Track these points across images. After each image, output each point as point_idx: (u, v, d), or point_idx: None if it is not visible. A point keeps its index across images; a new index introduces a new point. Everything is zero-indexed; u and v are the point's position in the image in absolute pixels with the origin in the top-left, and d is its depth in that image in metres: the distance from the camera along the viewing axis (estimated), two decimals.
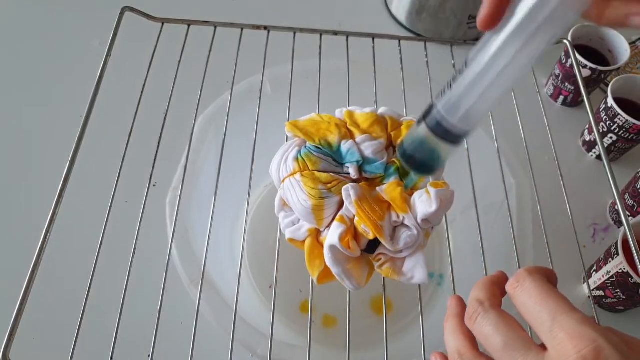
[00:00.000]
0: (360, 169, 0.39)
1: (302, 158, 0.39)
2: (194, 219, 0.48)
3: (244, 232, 0.43)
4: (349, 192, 0.36)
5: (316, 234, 0.38)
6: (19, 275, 0.35)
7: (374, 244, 0.36)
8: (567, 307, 0.25)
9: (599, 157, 0.74)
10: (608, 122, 0.68)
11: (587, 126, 0.75)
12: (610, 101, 0.67)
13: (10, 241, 0.61)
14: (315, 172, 0.38)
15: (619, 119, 0.66)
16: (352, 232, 0.36)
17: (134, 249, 0.39)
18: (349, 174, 0.39)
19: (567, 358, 0.23)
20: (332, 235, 0.36)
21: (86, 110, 0.43)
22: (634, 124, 0.65)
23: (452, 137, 0.30)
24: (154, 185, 0.43)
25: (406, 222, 0.36)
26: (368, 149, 0.39)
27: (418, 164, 0.33)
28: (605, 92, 0.69)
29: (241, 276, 0.40)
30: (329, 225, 0.37)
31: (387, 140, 0.41)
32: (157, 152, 0.44)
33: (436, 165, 0.33)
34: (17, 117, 0.72)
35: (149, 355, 0.36)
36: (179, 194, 0.44)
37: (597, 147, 0.73)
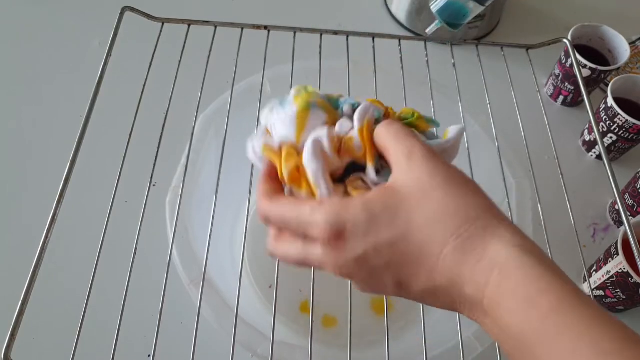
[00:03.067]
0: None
1: (301, 89, 0.35)
2: (194, 219, 0.48)
3: (245, 232, 0.43)
4: (368, 109, 0.33)
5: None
6: (20, 276, 0.35)
7: (352, 169, 0.33)
8: (300, 206, 0.29)
9: (599, 157, 0.74)
10: (608, 122, 0.68)
11: (587, 126, 0.75)
12: (610, 101, 0.67)
13: (12, 241, 0.61)
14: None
15: (619, 118, 0.66)
16: (337, 143, 0.33)
17: (135, 249, 0.39)
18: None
19: (320, 235, 0.27)
20: (319, 131, 0.32)
21: (87, 111, 0.43)
22: (634, 123, 0.65)
23: None
24: (154, 185, 0.43)
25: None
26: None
27: (448, 17, 0.36)
28: (605, 92, 0.69)
29: (242, 276, 0.40)
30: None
31: (386, 113, 0.40)
32: (157, 152, 0.44)
33: (463, 20, 0.36)
34: (17, 117, 0.72)
35: (149, 355, 0.36)
36: (179, 193, 0.44)
37: (597, 147, 0.73)
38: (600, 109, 0.70)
